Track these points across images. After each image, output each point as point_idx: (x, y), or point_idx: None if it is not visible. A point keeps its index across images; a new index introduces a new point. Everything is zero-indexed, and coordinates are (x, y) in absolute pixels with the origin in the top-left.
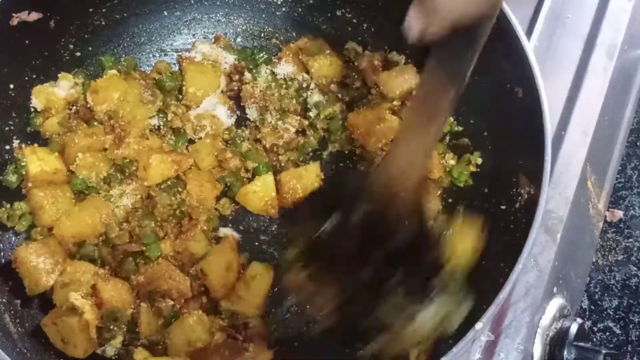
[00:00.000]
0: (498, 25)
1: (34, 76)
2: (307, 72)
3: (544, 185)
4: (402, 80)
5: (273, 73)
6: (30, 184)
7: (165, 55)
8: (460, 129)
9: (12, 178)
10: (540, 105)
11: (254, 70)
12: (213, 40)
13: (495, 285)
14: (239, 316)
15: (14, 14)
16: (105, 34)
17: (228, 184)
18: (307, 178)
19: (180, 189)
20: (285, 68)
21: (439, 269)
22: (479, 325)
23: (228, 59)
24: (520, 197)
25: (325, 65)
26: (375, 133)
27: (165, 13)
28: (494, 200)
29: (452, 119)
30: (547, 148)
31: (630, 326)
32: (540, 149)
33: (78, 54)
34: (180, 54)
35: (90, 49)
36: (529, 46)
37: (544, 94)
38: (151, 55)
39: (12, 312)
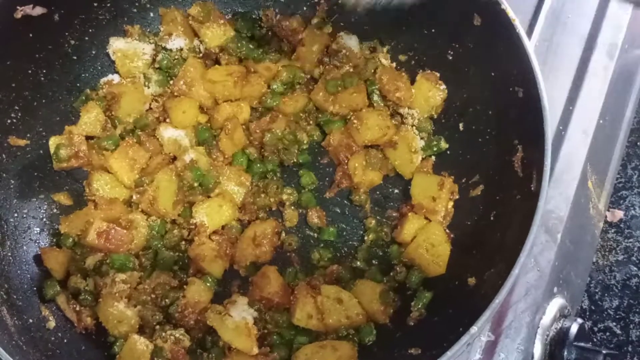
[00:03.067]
0: (499, 25)
1: (37, 70)
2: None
3: (543, 185)
4: None
5: (165, 49)
6: None
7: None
8: (462, 128)
9: None
10: (540, 106)
11: None
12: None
13: (492, 288)
14: None
15: (18, 7)
16: (109, 27)
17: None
18: None
19: None
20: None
21: None
22: (474, 329)
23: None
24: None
25: (218, 35)
26: None
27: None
28: (494, 198)
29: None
30: (547, 149)
31: (631, 326)
32: (540, 149)
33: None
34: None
35: (94, 42)
36: (530, 46)
37: (544, 95)
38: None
39: (9, 305)
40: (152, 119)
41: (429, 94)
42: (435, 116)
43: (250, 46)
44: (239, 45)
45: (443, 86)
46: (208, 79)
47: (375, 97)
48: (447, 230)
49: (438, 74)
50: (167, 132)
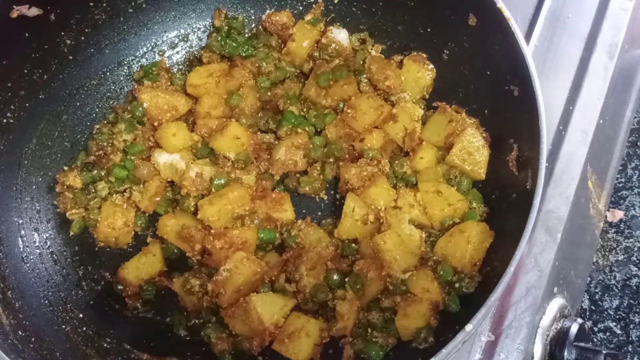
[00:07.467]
0: (495, 25)
1: (33, 70)
2: None
3: (539, 184)
4: None
5: None
6: None
7: (160, 51)
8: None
9: None
10: (536, 105)
11: None
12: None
13: (488, 287)
14: None
15: (14, 6)
16: (105, 28)
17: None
18: None
19: None
20: None
21: None
22: (469, 327)
23: None
24: (514, 196)
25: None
26: None
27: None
28: (490, 197)
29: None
30: (543, 147)
31: (631, 326)
32: (536, 148)
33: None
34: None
35: (90, 42)
36: (525, 45)
37: (540, 93)
38: (146, 49)
39: (5, 304)
40: (146, 146)
41: (417, 75)
42: (427, 96)
43: (234, 44)
44: (223, 43)
45: (431, 65)
46: (190, 83)
47: (365, 86)
48: None
49: (425, 55)
50: (162, 158)
